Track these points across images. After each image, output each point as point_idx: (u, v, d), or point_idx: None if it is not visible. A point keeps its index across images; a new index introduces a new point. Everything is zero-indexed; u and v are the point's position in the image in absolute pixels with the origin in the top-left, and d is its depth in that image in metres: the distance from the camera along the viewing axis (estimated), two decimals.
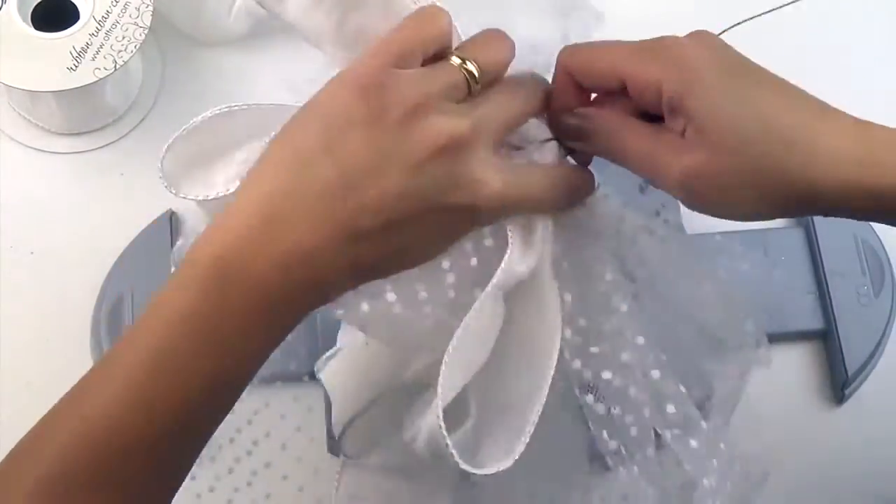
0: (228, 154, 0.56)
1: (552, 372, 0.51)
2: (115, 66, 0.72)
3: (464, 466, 0.48)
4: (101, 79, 0.71)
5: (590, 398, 0.53)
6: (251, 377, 0.49)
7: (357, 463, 0.61)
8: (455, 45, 0.51)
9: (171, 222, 0.72)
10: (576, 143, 0.54)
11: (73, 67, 0.71)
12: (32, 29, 0.72)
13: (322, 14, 0.52)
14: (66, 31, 0.72)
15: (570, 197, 0.54)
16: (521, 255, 0.52)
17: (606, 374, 0.53)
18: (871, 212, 0.49)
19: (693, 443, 0.55)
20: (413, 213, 0.48)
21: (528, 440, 0.50)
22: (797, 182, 0.48)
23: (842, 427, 0.73)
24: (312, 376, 0.66)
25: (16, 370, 0.70)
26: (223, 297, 0.46)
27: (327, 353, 0.60)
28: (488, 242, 0.53)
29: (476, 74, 0.50)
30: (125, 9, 0.73)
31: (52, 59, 0.72)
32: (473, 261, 0.53)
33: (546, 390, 0.51)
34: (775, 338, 0.73)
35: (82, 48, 0.72)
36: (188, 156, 0.56)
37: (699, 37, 0.51)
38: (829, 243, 0.74)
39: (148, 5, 0.73)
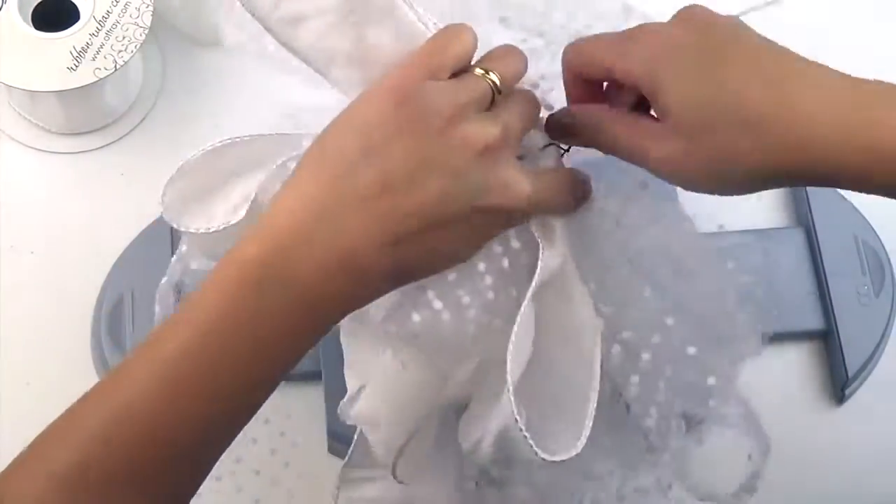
0: (228, 186, 0.58)
1: (599, 357, 0.54)
2: (116, 66, 0.72)
3: (542, 455, 0.50)
4: (101, 79, 0.71)
5: (635, 379, 0.55)
6: (283, 377, 0.50)
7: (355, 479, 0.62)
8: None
9: None
10: (569, 139, 0.56)
11: (73, 67, 0.71)
12: (32, 29, 0.73)
13: (337, 35, 0.54)
14: (66, 31, 0.72)
15: (577, 196, 0.56)
16: (550, 250, 0.55)
17: (645, 356, 0.55)
18: (863, 173, 0.49)
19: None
20: (451, 216, 0.50)
21: (591, 423, 0.52)
22: (771, 159, 0.50)
23: (842, 427, 0.73)
24: (311, 377, 0.67)
25: (16, 370, 0.70)
26: (262, 298, 0.48)
27: (347, 397, 0.60)
28: (515, 244, 0.55)
29: (498, 84, 0.52)
30: (125, 9, 0.73)
31: (52, 59, 0.72)
32: (505, 262, 0.55)
33: (598, 375, 0.53)
34: (775, 338, 0.73)
35: (82, 48, 0.72)
36: (188, 190, 0.58)
37: (684, 18, 0.53)
38: (829, 243, 0.74)
39: (148, 5, 0.73)
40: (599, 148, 0.55)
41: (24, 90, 0.72)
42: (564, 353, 0.55)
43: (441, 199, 0.49)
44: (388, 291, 0.52)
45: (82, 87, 0.71)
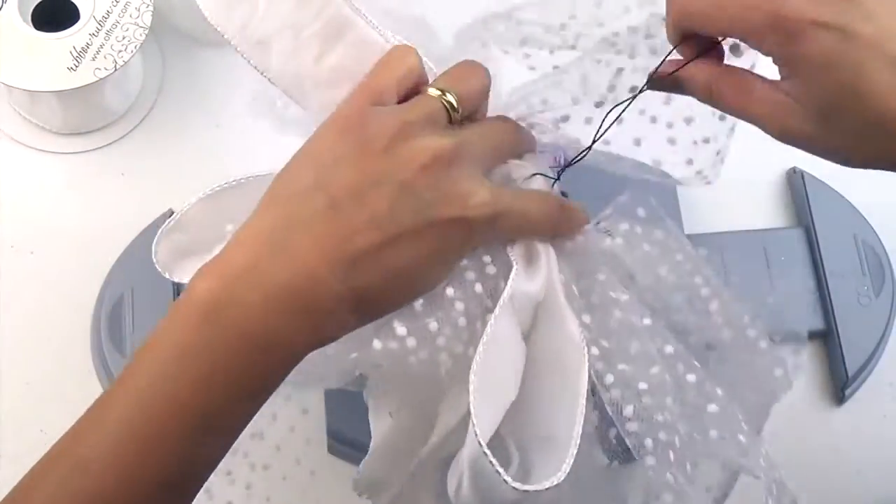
0: (221, 235, 0.56)
1: (585, 390, 0.51)
2: (115, 66, 0.72)
3: (515, 485, 0.46)
4: (101, 79, 0.71)
5: (633, 425, 0.52)
6: (250, 415, 0.49)
7: None
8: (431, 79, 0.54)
9: None
10: (676, 91, 0.53)
11: (73, 67, 0.71)
12: (32, 29, 0.72)
13: (300, 56, 0.54)
14: (66, 31, 0.72)
15: (563, 218, 0.54)
16: (527, 273, 0.53)
17: (642, 385, 0.52)
18: None
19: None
20: (406, 230, 0.48)
21: (575, 451, 0.49)
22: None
23: (842, 427, 0.73)
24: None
25: (16, 370, 0.70)
26: (215, 330, 0.47)
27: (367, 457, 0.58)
28: (490, 270, 0.53)
29: (454, 103, 0.52)
30: (125, 9, 0.73)
31: (52, 59, 0.72)
32: (478, 287, 0.53)
33: (583, 408, 0.50)
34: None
35: (82, 48, 0.72)
36: (182, 243, 0.58)
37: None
38: (829, 243, 0.74)
39: (148, 5, 0.73)
40: (728, 110, 0.52)
41: (23, 90, 0.72)
42: (552, 390, 0.52)
43: (391, 214, 0.48)
44: (355, 325, 0.50)
45: (82, 87, 0.71)
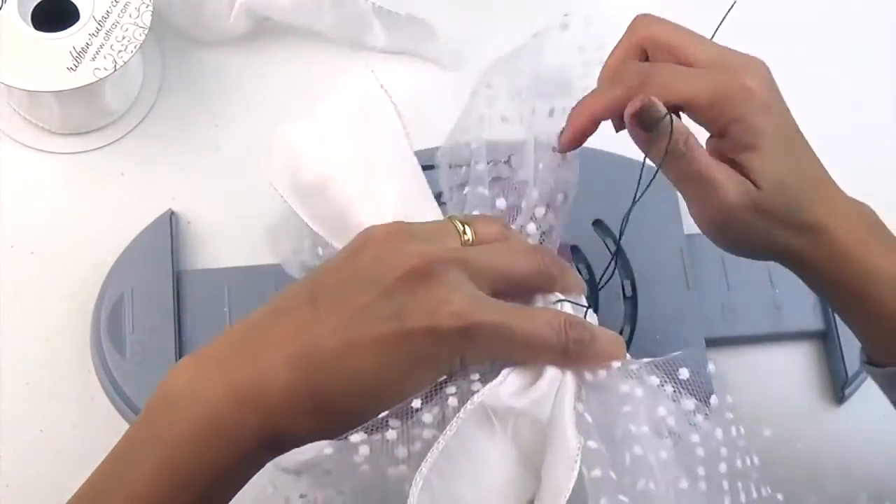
0: None
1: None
2: (115, 66, 0.72)
3: None
4: (101, 79, 0.71)
5: None
6: None
7: None
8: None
9: (171, 222, 0.72)
10: (645, 141, 0.53)
11: (73, 67, 0.71)
12: (32, 29, 0.72)
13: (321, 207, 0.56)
14: (66, 31, 0.72)
15: (575, 346, 0.49)
16: (517, 389, 0.48)
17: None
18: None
19: None
20: (375, 336, 0.45)
21: None
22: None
23: (842, 427, 0.73)
24: None
25: (16, 370, 0.70)
26: (170, 421, 0.46)
27: None
28: (476, 387, 0.48)
29: (467, 231, 0.50)
30: (125, 9, 0.73)
31: (52, 59, 0.72)
32: (453, 401, 0.48)
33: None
34: (775, 338, 0.73)
35: (82, 48, 0.72)
36: None
37: (752, 70, 0.54)
38: None
39: (148, 5, 0.73)
40: (676, 171, 0.54)
41: (23, 90, 0.72)
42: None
43: (364, 316, 0.45)
44: (316, 431, 0.46)
45: (82, 87, 0.71)
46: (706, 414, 0.49)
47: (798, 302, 0.73)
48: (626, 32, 0.57)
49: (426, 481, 0.44)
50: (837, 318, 0.72)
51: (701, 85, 0.53)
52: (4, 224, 0.74)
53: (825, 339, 0.73)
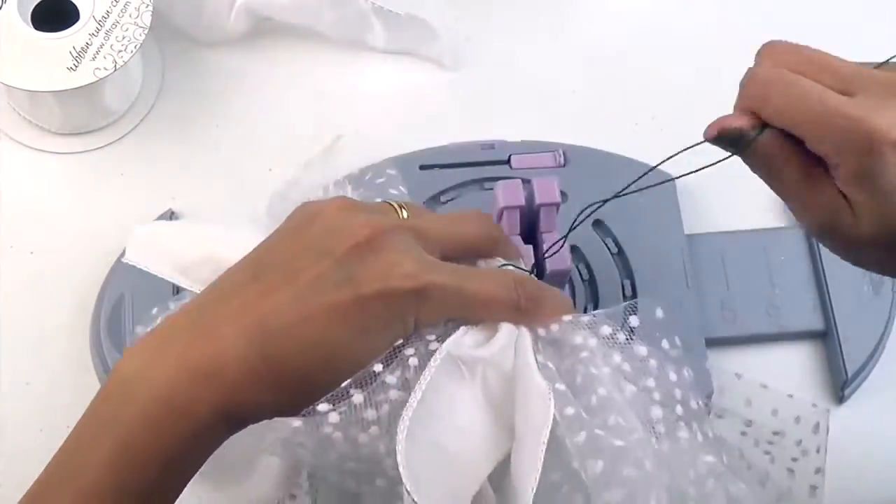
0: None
1: (546, 438, 0.46)
2: (115, 66, 0.72)
3: None
4: (101, 79, 0.71)
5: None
6: (172, 491, 0.46)
7: None
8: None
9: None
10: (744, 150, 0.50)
11: (73, 67, 0.71)
12: (32, 29, 0.72)
13: None
14: (66, 31, 0.72)
15: (526, 303, 0.50)
16: (478, 342, 0.49)
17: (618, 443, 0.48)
18: None
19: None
20: (328, 305, 0.46)
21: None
22: None
23: (842, 427, 0.73)
24: None
25: (16, 370, 0.70)
26: (123, 402, 0.45)
27: None
28: (434, 346, 0.49)
29: (403, 213, 0.51)
30: (125, 9, 0.73)
31: (52, 59, 0.72)
32: (413, 361, 0.48)
33: (542, 457, 0.46)
34: (775, 338, 0.73)
35: (82, 48, 0.72)
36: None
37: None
38: None
39: (148, 5, 0.73)
40: (770, 178, 0.51)
41: (23, 90, 0.72)
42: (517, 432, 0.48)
43: (315, 285, 0.46)
44: (275, 405, 0.46)
45: (82, 87, 0.71)
46: (658, 360, 0.51)
47: (798, 302, 0.73)
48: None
49: (409, 431, 0.44)
50: (837, 318, 0.72)
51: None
52: (4, 224, 0.74)
53: (825, 339, 0.73)
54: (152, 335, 0.48)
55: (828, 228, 0.50)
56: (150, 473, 0.45)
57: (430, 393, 0.46)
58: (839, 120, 0.47)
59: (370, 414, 0.47)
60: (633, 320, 0.51)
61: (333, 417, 0.46)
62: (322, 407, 0.46)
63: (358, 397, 0.47)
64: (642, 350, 0.51)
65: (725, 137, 0.50)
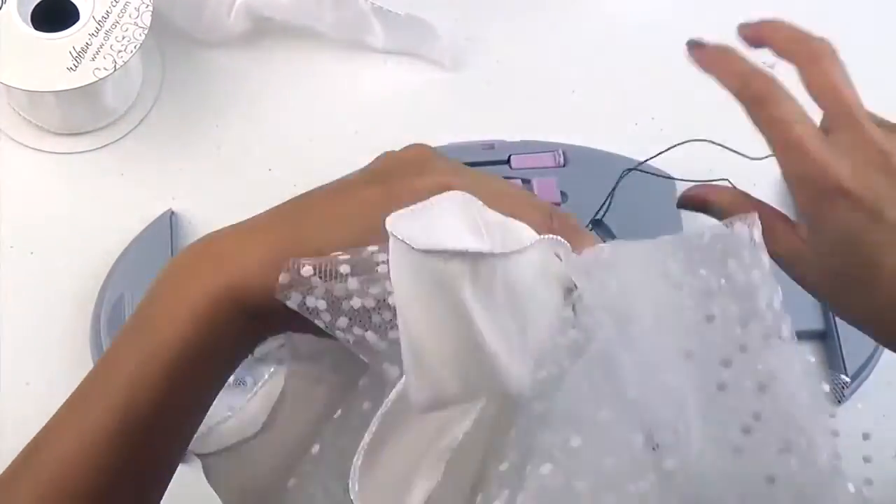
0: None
1: None
2: (115, 66, 0.72)
3: None
4: (101, 79, 0.71)
5: None
6: (200, 400, 0.47)
7: None
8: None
9: (171, 222, 0.72)
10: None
11: (73, 67, 0.71)
12: (32, 29, 0.73)
13: None
14: (66, 31, 0.72)
15: (560, 222, 0.48)
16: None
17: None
18: None
19: None
20: (361, 198, 0.46)
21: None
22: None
23: (842, 427, 0.73)
24: None
25: (16, 370, 0.70)
26: (154, 302, 0.48)
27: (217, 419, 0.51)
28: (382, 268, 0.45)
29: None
30: (125, 9, 0.73)
31: (52, 59, 0.72)
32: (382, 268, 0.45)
33: None
34: None
35: (82, 48, 0.72)
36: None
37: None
38: None
39: (148, 5, 0.73)
40: None
41: (23, 90, 0.72)
42: None
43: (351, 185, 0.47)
44: (290, 283, 0.43)
45: (82, 87, 0.71)
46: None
47: (798, 302, 0.72)
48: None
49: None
50: (837, 318, 0.72)
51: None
52: (4, 224, 0.74)
53: (825, 339, 0.73)
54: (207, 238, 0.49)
55: (788, 262, 0.54)
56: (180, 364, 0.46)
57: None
58: (801, 154, 0.50)
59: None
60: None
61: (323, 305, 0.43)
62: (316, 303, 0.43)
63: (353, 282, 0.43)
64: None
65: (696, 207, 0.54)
